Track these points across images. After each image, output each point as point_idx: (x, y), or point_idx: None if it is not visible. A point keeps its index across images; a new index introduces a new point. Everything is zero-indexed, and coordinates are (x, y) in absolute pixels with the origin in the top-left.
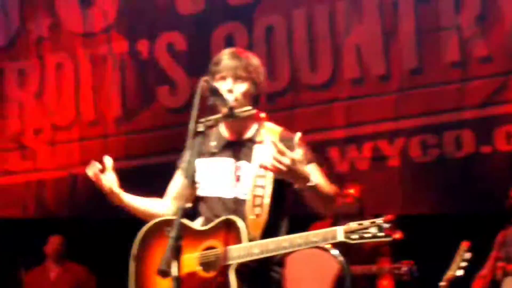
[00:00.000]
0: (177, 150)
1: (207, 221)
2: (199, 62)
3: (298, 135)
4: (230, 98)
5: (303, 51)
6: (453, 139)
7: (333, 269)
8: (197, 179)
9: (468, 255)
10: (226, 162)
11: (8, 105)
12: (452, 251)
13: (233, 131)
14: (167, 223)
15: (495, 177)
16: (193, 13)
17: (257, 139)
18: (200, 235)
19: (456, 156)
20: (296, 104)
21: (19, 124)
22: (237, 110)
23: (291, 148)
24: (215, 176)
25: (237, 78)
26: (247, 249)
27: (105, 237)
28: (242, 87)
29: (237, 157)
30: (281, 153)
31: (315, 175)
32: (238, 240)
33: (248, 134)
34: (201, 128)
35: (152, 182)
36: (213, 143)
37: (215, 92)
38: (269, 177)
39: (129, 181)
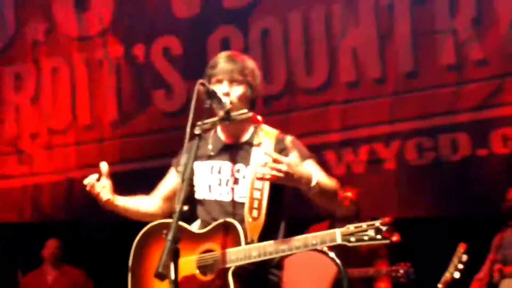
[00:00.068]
0: (174, 154)
1: (205, 224)
2: (195, 66)
3: (290, 138)
4: (226, 101)
5: (299, 54)
6: (449, 142)
7: (330, 271)
8: (194, 182)
9: (465, 258)
10: (223, 165)
11: (4, 109)
12: (448, 253)
13: (230, 134)
14: (164, 226)
15: (491, 180)
16: (189, 17)
17: (254, 142)
18: (198, 238)
19: (452, 159)
20: (292, 107)
21: (15, 128)
22: (233, 113)
23: (287, 150)
24: (212, 179)
25: (233, 81)
26: (245, 252)
27: (102, 241)
28: (238, 90)
29: (235, 160)
30: (277, 161)
31: (315, 171)
32: (236, 243)
33: (245, 137)
34: (198, 131)
35: (148, 186)
36: (210, 147)
37: (211, 95)
38: None
39: (125, 184)
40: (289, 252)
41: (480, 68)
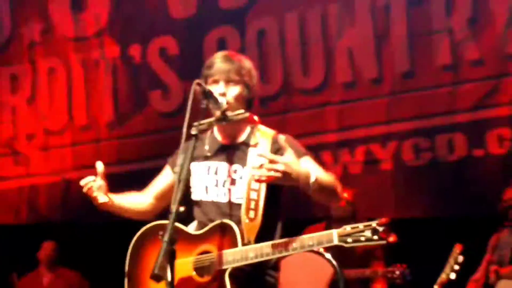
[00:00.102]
0: (170, 155)
1: (202, 225)
2: (192, 66)
3: (283, 138)
4: (223, 101)
5: (295, 54)
6: (446, 142)
7: (327, 272)
8: (191, 183)
9: (461, 259)
10: (220, 166)
11: (0, 110)
12: (445, 254)
13: (227, 135)
14: (161, 227)
15: (487, 180)
16: (185, 17)
17: (251, 142)
18: (195, 239)
19: (449, 159)
20: (288, 108)
21: (11, 129)
22: (230, 114)
23: (283, 150)
24: (209, 180)
25: (229, 81)
26: (242, 253)
27: (98, 242)
28: (234, 90)
29: (231, 161)
30: (273, 161)
31: (312, 168)
32: (233, 244)
33: (242, 138)
34: (194, 131)
35: (145, 187)
36: (206, 147)
37: (208, 95)
38: None
39: (121, 185)
40: (285, 253)
41: (476, 68)
